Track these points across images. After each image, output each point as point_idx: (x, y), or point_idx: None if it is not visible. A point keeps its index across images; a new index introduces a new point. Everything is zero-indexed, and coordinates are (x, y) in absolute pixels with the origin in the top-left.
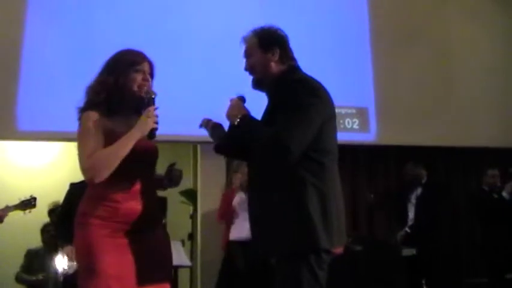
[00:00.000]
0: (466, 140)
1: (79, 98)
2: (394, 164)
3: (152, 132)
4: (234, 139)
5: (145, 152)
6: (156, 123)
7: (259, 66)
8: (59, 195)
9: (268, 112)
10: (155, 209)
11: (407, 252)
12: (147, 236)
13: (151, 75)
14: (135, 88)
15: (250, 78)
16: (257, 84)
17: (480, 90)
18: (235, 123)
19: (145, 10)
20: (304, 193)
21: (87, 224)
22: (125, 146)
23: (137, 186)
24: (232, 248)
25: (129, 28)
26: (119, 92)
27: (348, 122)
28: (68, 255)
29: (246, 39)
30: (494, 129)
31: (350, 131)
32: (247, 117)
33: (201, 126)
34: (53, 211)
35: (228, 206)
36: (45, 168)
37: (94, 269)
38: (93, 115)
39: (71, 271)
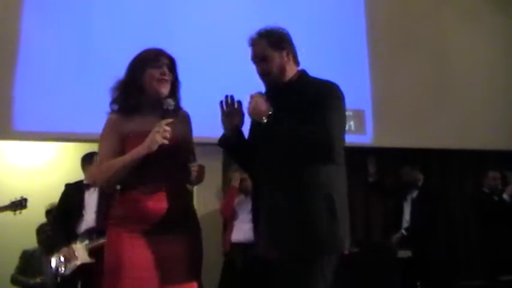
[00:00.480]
0: (462, 142)
1: (75, 98)
2: (390, 166)
3: (161, 148)
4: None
5: (166, 152)
6: (166, 138)
7: (277, 69)
8: (55, 196)
9: (285, 112)
10: (181, 209)
11: (403, 254)
12: (169, 236)
13: (173, 70)
14: (155, 84)
15: (245, 79)
16: (273, 88)
17: (477, 93)
18: (264, 120)
19: (142, 10)
20: (330, 194)
21: (111, 224)
22: (127, 162)
23: (159, 186)
24: (233, 250)
25: (126, 29)
26: (137, 90)
27: None
28: (64, 256)
29: (254, 43)
30: (491, 132)
31: (346, 133)
32: (277, 114)
33: (222, 102)
34: (50, 212)
35: (230, 201)
36: (41, 168)
37: (111, 267)
38: (111, 119)
39: (67, 272)
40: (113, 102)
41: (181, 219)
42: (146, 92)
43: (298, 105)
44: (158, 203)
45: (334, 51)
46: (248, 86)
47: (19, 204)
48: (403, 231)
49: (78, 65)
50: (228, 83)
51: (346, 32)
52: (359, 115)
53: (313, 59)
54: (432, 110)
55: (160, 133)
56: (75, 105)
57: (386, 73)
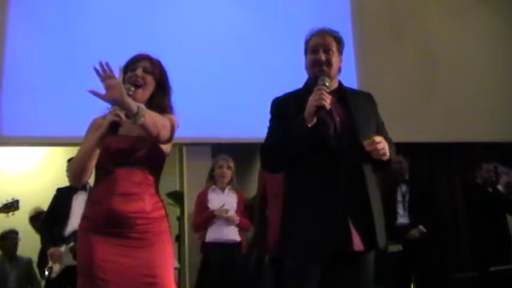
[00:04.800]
0: (450, 135)
1: (62, 103)
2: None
3: (112, 127)
4: None
5: (121, 151)
6: (117, 116)
7: (336, 67)
8: (44, 199)
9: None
10: (137, 211)
11: (394, 248)
12: (124, 237)
13: (151, 71)
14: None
15: (238, 79)
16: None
17: (464, 87)
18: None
19: (128, 15)
20: None
21: (81, 224)
22: (85, 147)
23: (117, 187)
24: (209, 249)
25: (112, 33)
26: None
27: None
28: (51, 257)
29: (321, 34)
30: (479, 125)
31: None
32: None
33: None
34: (34, 218)
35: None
36: (30, 172)
37: (79, 266)
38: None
39: (53, 276)
40: None
41: (131, 222)
42: None
43: (360, 114)
44: (113, 204)
45: None
46: (242, 85)
47: (11, 206)
48: (421, 227)
49: (65, 69)
50: (216, 84)
51: (332, 27)
52: None
53: (298, 57)
54: (419, 104)
55: (112, 112)
56: (63, 109)
57: (373, 69)
